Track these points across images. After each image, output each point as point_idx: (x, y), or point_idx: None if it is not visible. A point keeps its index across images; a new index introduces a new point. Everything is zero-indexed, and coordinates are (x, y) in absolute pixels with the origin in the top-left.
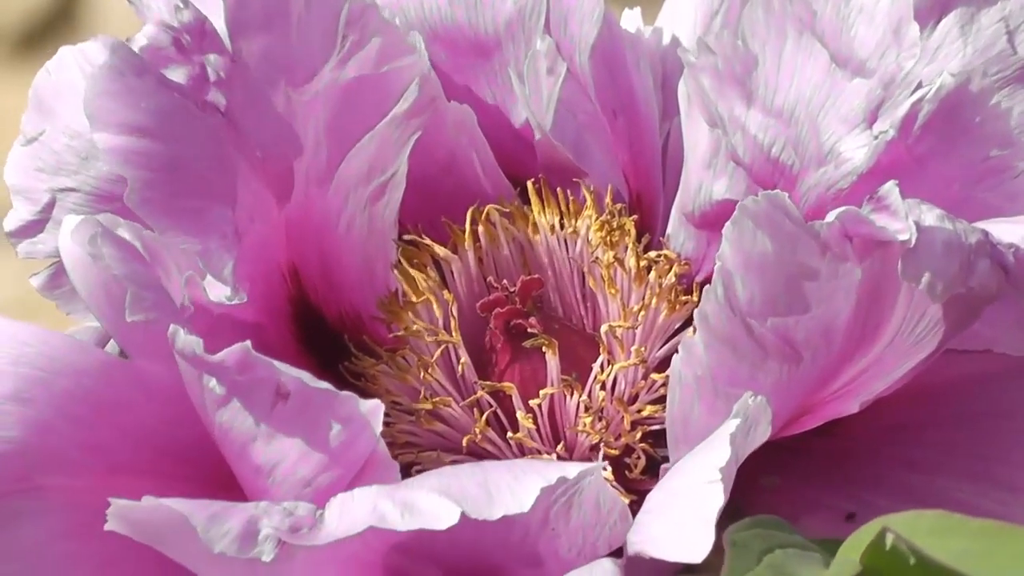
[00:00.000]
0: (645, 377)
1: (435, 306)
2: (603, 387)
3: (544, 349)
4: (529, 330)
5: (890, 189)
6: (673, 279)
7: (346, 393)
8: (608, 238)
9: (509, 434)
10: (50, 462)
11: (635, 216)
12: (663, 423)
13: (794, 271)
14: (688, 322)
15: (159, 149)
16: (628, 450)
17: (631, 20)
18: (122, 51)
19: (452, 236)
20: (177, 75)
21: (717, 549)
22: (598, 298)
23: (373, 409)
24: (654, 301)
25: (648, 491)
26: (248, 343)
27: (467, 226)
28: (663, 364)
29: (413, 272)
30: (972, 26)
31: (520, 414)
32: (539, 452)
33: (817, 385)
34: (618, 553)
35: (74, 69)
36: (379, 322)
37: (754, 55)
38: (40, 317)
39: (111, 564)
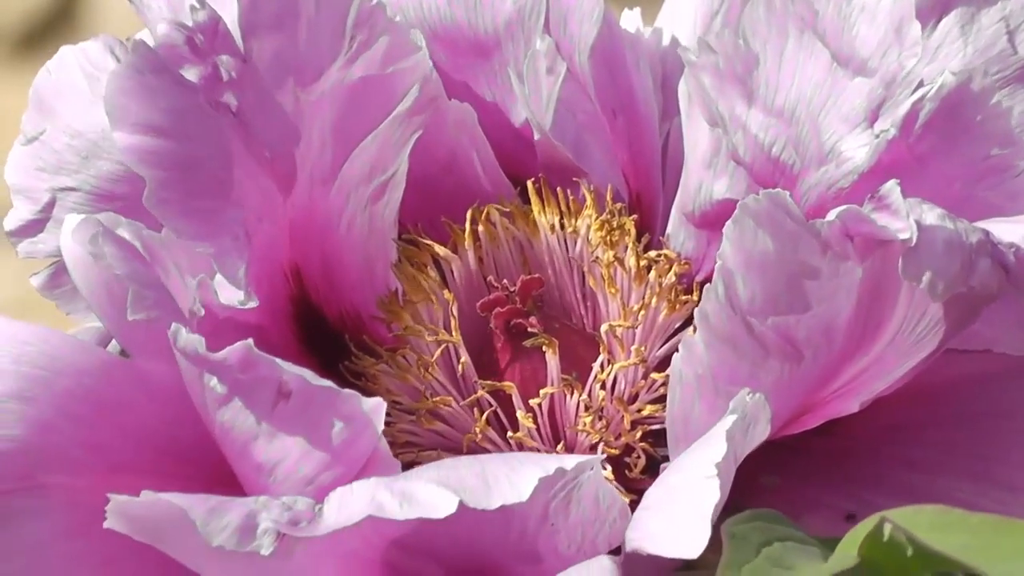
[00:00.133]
0: (645, 376)
1: (435, 306)
2: (603, 386)
3: (544, 348)
4: (529, 329)
5: (891, 188)
6: (673, 278)
7: (348, 391)
8: (608, 237)
9: (509, 433)
10: (52, 461)
11: (635, 215)
12: (663, 422)
13: (795, 270)
14: (688, 322)
15: (173, 148)
16: (628, 449)
17: (631, 20)
18: (142, 49)
19: (452, 236)
20: (191, 75)
21: (716, 547)
22: (598, 297)
23: (375, 407)
24: (654, 300)
25: None
26: (250, 341)
27: (467, 225)
28: (663, 363)
29: (413, 272)
30: (973, 26)
31: (520, 413)
32: (539, 451)
33: (818, 384)
34: (619, 552)
35: (75, 68)
36: (379, 322)
37: (755, 54)
38: (40, 317)
39: (112, 563)
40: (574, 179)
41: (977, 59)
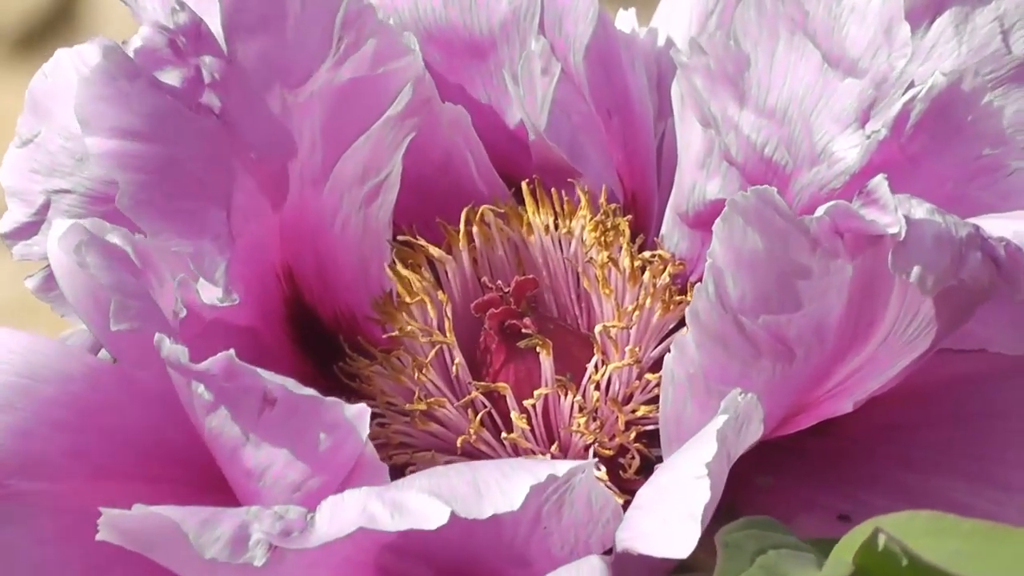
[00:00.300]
0: (639, 377)
1: (429, 307)
2: (597, 387)
3: (538, 349)
4: (523, 330)
5: (879, 183)
6: (667, 279)
7: (331, 399)
8: (602, 238)
9: (503, 435)
10: (32, 467)
11: (629, 216)
12: (657, 423)
13: (785, 268)
14: (683, 322)
15: (152, 151)
16: (622, 450)
17: (626, 21)
18: (114, 55)
19: (447, 237)
20: (171, 77)
21: (711, 550)
22: (592, 298)
23: (359, 413)
24: (648, 301)
25: None
26: (232, 352)
27: (461, 226)
28: (657, 364)
29: (407, 273)
30: (966, 25)
31: (514, 414)
32: (533, 453)
33: (810, 384)
34: (611, 552)
35: (70, 71)
36: (374, 323)
37: (746, 55)
38: (39, 317)
39: (98, 569)
40: (569, 180)
41: (971, 59)
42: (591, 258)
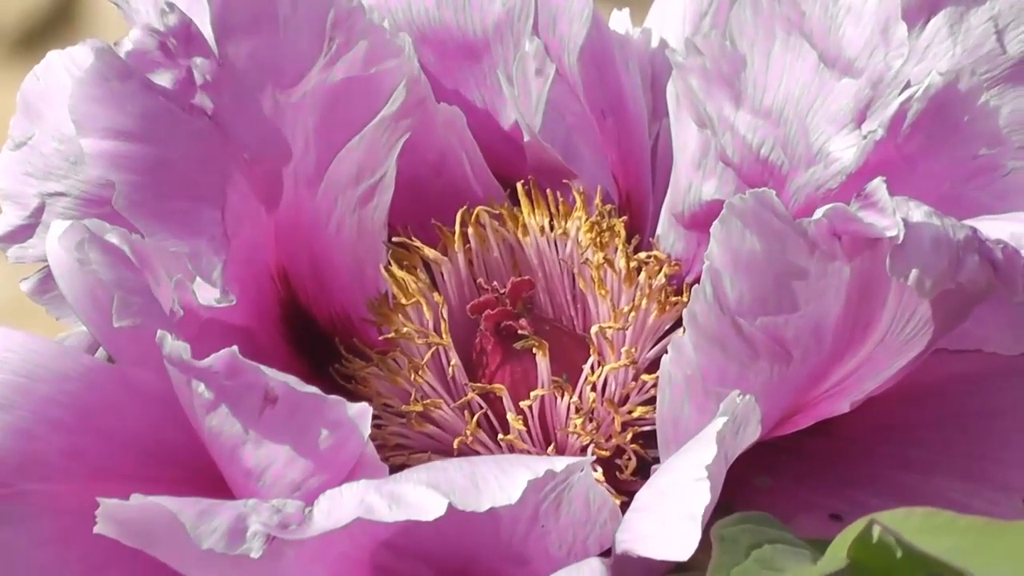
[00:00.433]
0: (635, 378)
1: (425, 308)
2: (593, 388)
3: (534, 350)
4: (519, 332)
5: (877, 186)
6: (663, 280)
7: (334, 397)
8: (598, 239)
9: (500, 436)
10: (31, 468)
11: (625, 217)
12: (654, 424)
13: (783, 269)
14: (678, 323)
15: (145, 152)
16: (619, 451)
17: (620, 21)
18: (106, 56)
19: (442, 238)
20: (163, 79)
21: (708, 548)
22: (588, 299)
23: (361, 412)
24: (644, 302)
25: None
26: (235, 348)
27: (457, 228)
28: (653, 365)
29: (403, 274)
30: (961, 25)
31: (511, 416)
32: (530, 454)
33: (808, 384)
34: (609, 554)
35: (62, 73)
36: (369, 324)
37: (742, 55)
38: (36, 319)
39: (98, 569)
40: (564, 181)
41: (966, 59)
42: (587, 259)
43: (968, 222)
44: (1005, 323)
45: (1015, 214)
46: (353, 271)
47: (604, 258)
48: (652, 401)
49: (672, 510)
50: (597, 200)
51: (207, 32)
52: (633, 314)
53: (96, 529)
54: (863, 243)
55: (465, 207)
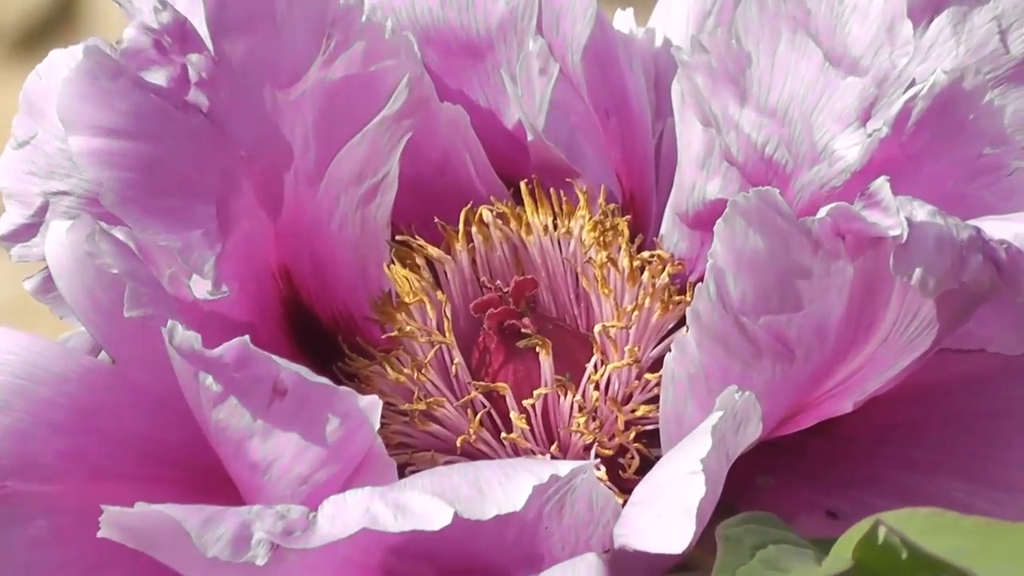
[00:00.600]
0: (639, 377)
1: (428, 307)
2: (597, 387)
3: (538, 349)
4: (523, 330)
5: (881, 185)
6: (666, 279)
7: (345, 388)
8: (601, 238)
9: (503, 435)
10: (31, 468)
11: (628, 216)
12: (657, 423)
13: (786, 268)
14: (682, 322)
15: (136, 149)
16: (622, 450)
17: (624, 21)
18: (95, 54)
19: (445, 237)
20: (157, 77)
21: (711, 549)
22: (591, 298)
23: (371, 404)
24: (647, 301)
25: None
26: (246, 338)
27: (460, 226)
28: (657, 364)
29: (406, 273)
30: (965, 25)
31: (514, 414)
32: (533, 452)
33: (811, 384)
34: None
35: (63, 72)
36: (372, 323)
37: (748, 54)
38: (40, 319)
39: (97, 569)
40: (567, 180)
41: (969, 58)
42: (590, 258)
43: (972, 222)
44: (1008, 324)
45: (1019, 214)
46: (356, 269)
47: (607, 257)
48: (655, 400)
49: (667, 504)
50: (601, 199)
51: (202, 30)
52: (636, 313)
53: (99, 534)
54: (867, 242)
55: (468, 206)
